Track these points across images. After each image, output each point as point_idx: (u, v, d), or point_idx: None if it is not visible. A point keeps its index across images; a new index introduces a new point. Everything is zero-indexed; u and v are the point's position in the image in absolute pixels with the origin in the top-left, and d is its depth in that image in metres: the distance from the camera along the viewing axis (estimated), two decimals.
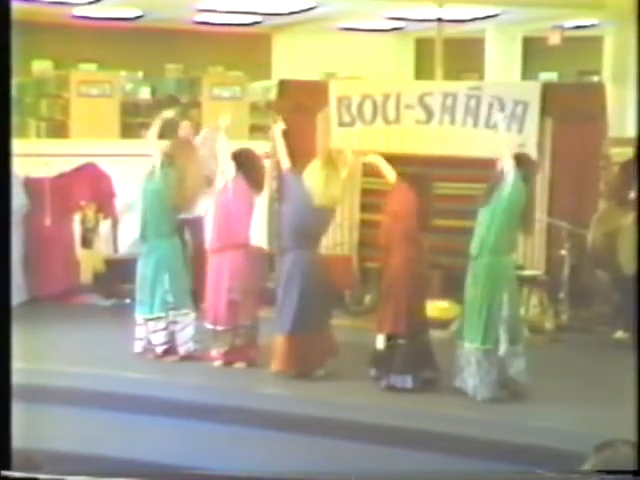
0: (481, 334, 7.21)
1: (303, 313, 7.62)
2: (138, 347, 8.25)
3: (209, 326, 8.04)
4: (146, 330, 8.22)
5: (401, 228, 7.48)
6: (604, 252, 8.90)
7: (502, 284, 7.28)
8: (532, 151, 9.26)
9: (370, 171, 7.93)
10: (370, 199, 9.66)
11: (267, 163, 8.88)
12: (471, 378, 7.25)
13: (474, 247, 7.30)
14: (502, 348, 7.19)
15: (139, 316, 8.24)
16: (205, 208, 8.88)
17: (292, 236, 7.74)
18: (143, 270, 8.23)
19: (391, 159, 7.78)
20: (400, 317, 7.41)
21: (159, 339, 8.18)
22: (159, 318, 8.16)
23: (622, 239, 8.72)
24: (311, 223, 7.72)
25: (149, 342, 8.23)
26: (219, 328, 7.98)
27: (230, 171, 7.93)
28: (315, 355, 7.71)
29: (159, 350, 8.19)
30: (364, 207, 10.00)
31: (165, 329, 8.17)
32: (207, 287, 8.06)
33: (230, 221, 7.97)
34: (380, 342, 7.49)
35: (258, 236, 9.39)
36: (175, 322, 8.18)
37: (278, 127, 8.23)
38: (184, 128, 9.69)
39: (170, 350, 8.20)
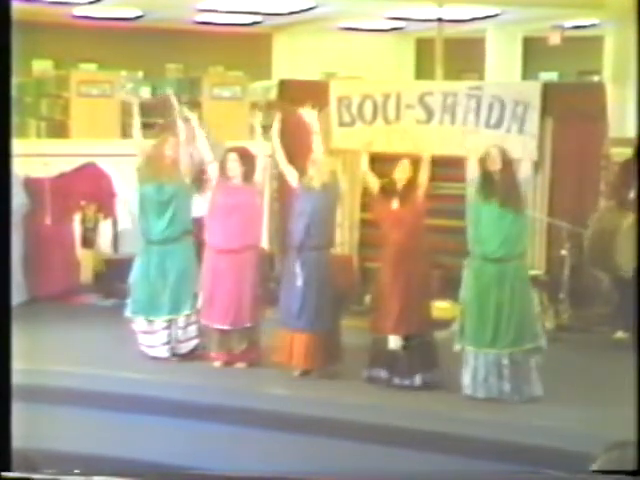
0: (522, 336, 7.21)
1: (334, 310, 7.78)
2: (163, 352, 8.18)
3: (222, 327, 7.98)
4: (174, 328, 8.16)
5: (426, 225, 7.61)
6: (600, 250, 8.88)
7: (529, 284, 7.43)
8: (532, 151, 9.28)
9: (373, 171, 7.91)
10: (370, 199, 9.64)
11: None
12: (508, 382, 7.22)
13: (500, 250, 7.19)
14: (544, 342, 7.28)
15: (162, 318, 8.16)
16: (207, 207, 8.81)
17: (325, 233, 7.80)
18: (176, 267, 8.14)
19: (391, 159, 7.78)
20: (418, 316, 7.50)
21: (191, 332, 8.17)
22: (191, 314, 8.16)
23: (620, 239, 8.71)
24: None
25: (177, 341, 8.18)
26: (247, 325, 7.97)
27: (265, 172, 8.14)
28: (335, 351, 7.79)
29: (191, 345, 8.16)
30: (364, 207, 9.99)
31: (196, 322, 8.17)
32: (220, 288, 7.98)
33: (255, 220, 8.09)
34: (395, 342, 7.50)
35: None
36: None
37: (275, 127, 8.21)
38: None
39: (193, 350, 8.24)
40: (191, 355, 8.22)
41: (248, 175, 8.00)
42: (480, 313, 7.26)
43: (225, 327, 7.98)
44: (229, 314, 7.96)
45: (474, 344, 7.29)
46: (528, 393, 7.24)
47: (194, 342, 8.21)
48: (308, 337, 7.69)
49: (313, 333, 7.69)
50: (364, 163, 7.79)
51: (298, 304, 7.71)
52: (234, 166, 7.96)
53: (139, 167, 8.29)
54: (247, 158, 8.00)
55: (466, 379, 7.30)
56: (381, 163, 8.01)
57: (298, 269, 7.68)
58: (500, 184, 7.23)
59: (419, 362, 7.50)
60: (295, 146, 8.29)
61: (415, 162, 7.59)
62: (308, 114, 8.02)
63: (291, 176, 7.91)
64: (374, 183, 7.71)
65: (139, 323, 8.25)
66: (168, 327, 8.17)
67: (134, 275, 8.29)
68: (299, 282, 7.66)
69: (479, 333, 7.27)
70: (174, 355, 8.18)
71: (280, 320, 7.84)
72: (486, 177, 7.26)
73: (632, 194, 8.80)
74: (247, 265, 7.98)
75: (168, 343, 8.17)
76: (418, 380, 7.49)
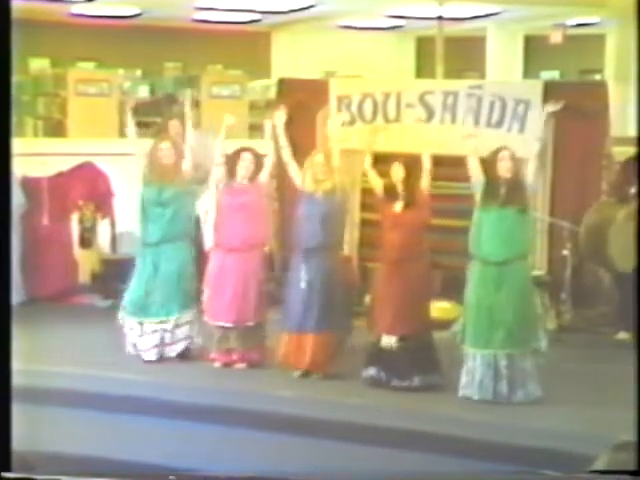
0: (521, 337, 7.22)
1: (340, 311, 7.80)
2: (152, 355, 8.12)
3: (225, 324, 7.97)
4: (163, 331, 8.11)
5: (427, 226, 7.59)
6: (594, 243, 8.85)
7: (531, 285, 7.49)
8: (533, 151, 9.22)
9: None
10: (370, 199, 9.60)
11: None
12: (505, 384, 7.20)
13: (500, 253, 7.16)
14: (544, 345, 7.28)
15: (152, 321, 8.12)
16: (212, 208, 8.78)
17: (332, 235, 7.79)
18: (168, 269, 8.10)
19: (391, 158, 7.73)
20: (415, 316, 7.50)
21: (180, 335, 8.14)
22: (181, 316, 8.13)
23: (614, 232, 8.68)
24: None
25: (165, 344, 8.12)
26: (249, 323, 7.95)
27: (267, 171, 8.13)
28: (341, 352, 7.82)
29: (179, 347, 8.12)
30: (364, 207, 9.95)
31: (187, 324, 8.14)
32: (224, 285, 7.97)
33: (261, 220, 8.10)
34: (387, 341, 7.46)
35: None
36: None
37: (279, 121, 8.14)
38: (173, 127, 9.46)
39: (186, 352, 8.20)
40: (185, 357, 8.18)
41: (255, 175, 8.02)
42: (478, 315, 7.26)
43: (228, 324, 7.95)
44: (232, 311, 7.95)
45: (472, 345, 7.30)
46: (523, 395, 7.21)
47: (183, 344, 8.17)
48: (314, 338, 7.67)
49: (319, 334, 7.66)
50: (367, 162, 7.70)
51: (302, 306, 7.68)
52: (247, 166, 7.98)
53: (143, 169, 8.18)
54: (257, 158, 8.02)
55: (463, 380, 7.30)
56: (382, 163, 7.95)
57: (304, 272, 7.63)
58: (503, 187, 7.21)
59: (418, 363, 7.48)
60: (296, 146, 8.25)
61: (414, 163, 7.55)
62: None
63: (297, 176, 7.88)
64: (377, 183, 7.65)
65: (130, 325, 8.19)
66: (158, 330, 8.12)
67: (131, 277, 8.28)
68: (303, 284, 7.63)
69: (477, 334, 7.28)
70: (162, 358, 8.12)
71: (283, 322, 7.81)
72: (492, 182, 7.23)
73: (632, 192, 8.79)
74: (253, 264, 8.02)
75: (157, 346, 8.12)
76: (417, 381, 7.46)
